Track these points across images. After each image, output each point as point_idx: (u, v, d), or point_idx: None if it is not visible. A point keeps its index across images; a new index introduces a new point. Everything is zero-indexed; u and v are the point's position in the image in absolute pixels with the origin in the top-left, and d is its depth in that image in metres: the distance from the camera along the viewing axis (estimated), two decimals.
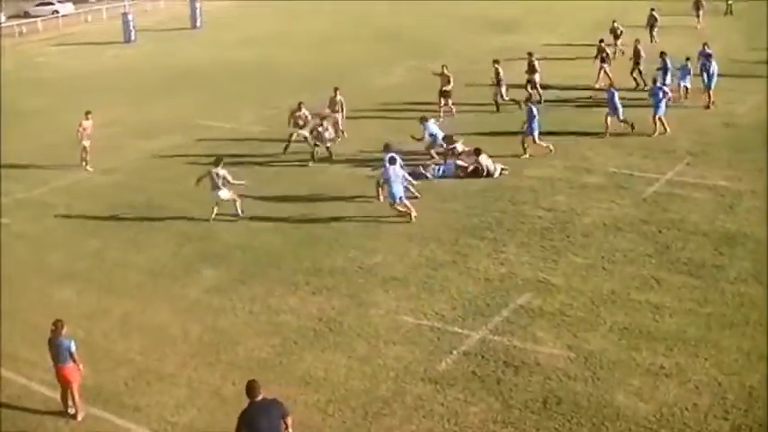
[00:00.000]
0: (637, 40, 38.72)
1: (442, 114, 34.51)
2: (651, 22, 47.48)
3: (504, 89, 35.73)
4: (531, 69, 36.75)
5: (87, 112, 31.91)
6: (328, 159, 30.11)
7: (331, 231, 24.00)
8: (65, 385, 16.11)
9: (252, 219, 25.14)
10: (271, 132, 33.96)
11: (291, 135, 31.09)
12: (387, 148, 25.89)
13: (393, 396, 16.11)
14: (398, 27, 60.16)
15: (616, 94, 31.19)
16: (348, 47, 54.38)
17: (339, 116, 32.62)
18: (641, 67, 37.55)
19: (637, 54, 37.76)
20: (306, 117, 30.98)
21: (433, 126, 29.14)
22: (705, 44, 36.26)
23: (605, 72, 38.03)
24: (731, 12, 56.49)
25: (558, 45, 48.68)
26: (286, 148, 31.01)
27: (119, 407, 16.51)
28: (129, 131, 36.02)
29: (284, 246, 23.22)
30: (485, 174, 27.20)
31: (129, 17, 65.17)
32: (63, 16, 78.47)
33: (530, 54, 37.43)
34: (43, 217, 26.78)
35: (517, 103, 33.59)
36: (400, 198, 24.23)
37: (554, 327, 18.07)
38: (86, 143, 31.41)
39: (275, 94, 41.05)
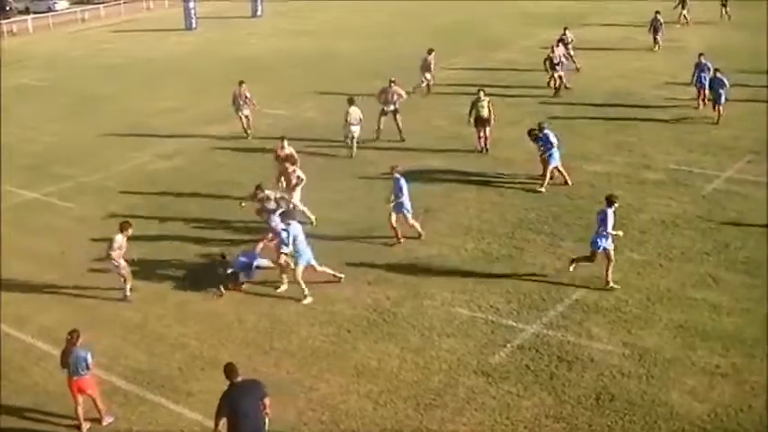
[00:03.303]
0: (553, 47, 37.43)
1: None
2: (655, 25, 45.06)
3: None
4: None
5: (241, 82, 32.79)
6: None
7: (387, 223, 23.92)
8: (84, 397, 15.46)
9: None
10: (327, 121, 33.96)
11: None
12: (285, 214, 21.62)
13: (445, 388, 16.16)
14: (454, 23, 59.67)
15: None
16: (403, 40, 53.86)
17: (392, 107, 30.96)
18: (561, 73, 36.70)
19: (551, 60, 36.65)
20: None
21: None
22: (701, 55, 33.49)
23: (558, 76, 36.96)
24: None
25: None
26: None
27: (172, 391, 16.78)
28: (191, 118, 36.33)
29: (341, 237, 23.28)
30: None
31: (191, 4, 65.24)
32: (125, 3, 78.86)
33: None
34: (103, 202, 27.15)
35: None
36: (307, 261, 20.15)
37: (609, 323, 18.00)
38: (247, 112, 32.69)
39: (333, 83, 41.11)
